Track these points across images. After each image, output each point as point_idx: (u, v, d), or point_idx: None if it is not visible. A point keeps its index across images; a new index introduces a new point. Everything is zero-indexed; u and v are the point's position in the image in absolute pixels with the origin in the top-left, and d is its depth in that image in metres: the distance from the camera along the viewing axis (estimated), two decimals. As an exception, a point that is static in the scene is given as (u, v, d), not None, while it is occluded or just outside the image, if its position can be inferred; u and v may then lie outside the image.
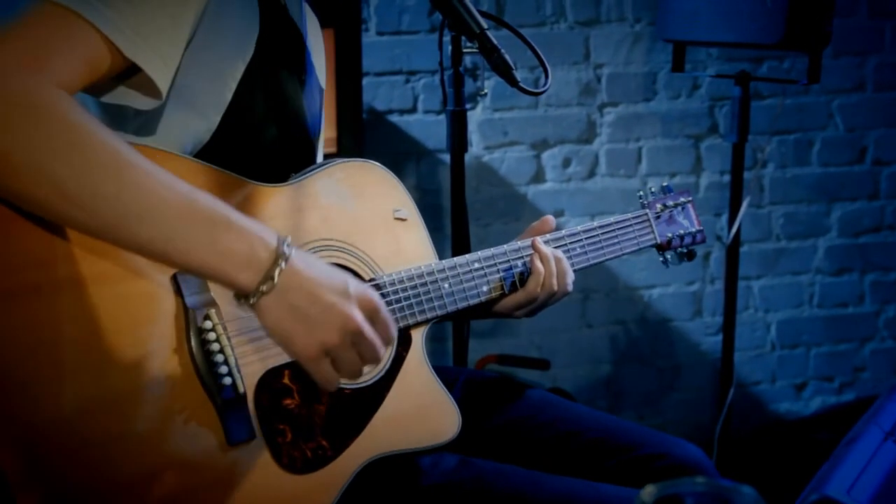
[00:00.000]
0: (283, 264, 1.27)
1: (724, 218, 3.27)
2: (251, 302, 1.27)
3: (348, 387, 1.54)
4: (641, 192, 2.01)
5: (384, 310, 1.35)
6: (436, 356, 3.31)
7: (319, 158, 1.73)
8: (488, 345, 3.29)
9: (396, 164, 3.18)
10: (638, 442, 1.73)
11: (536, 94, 1.81)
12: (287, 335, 1.29)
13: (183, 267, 1.28)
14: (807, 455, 2.96)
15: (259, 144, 1.54)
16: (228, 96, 1.48)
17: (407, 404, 1.60)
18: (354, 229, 1.60)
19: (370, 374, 1.57)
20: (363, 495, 1.53)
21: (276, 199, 1.51)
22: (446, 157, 3.18)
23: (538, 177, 3.33)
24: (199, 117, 1.47)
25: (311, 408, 1.49)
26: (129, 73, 1.35)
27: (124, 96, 1.38)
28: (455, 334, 2.48)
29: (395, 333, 1.38)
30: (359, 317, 1.31)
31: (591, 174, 3.37)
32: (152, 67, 1.33)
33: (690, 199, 2.04)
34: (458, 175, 2.29)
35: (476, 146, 3.25)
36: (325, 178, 1.58)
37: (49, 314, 1.26)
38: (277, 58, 1.55)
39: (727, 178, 3.12)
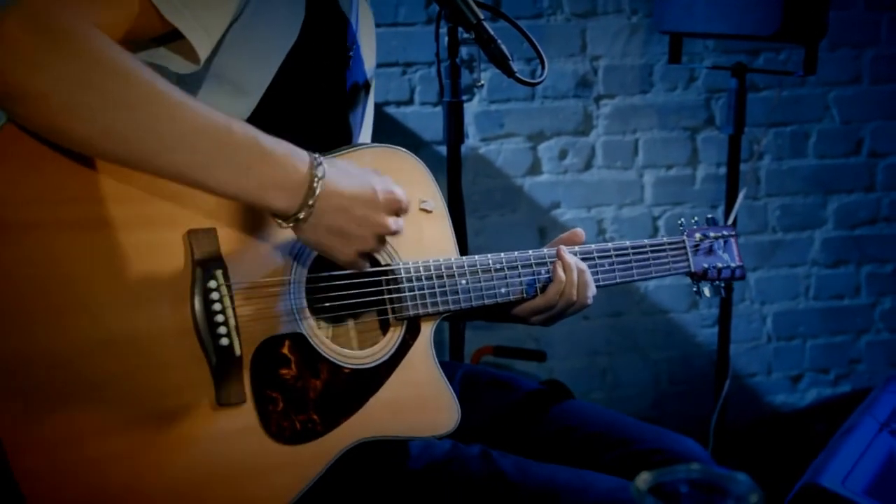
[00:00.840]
0: (317, 188, 1.35)
1: (721, 210, 3.27)
2: (290, 224, 1.36)
3: (348, 366, 1.54)
4: (682, 220, 1.99)
5: (406, 202, 1.47)
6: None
7: None
8: (485, 336, 3.29)
9: (393, 156, 3.17)
10: (635, 437, 1.73)
11: (533, 85, 1.81)
12: (327, 249, 1.41)
13: (219, 193, 1.33)
14: (802, 446, 2.97)
15: (295, 124, 1.56)
16: (269, 78, 1.51)
17: (406, 392, 1.61)
18: None
19: (373, 357, 1.58)
20: (350, 472, 1.54)
21: None
22: (443, 150, 3.17)
23: (534, 169, 3.33)
24: (240, 94, 1.50)
25: (307, 381, 1.50)
26: (170, 36, 1.38)
27: (163, 57, 1.42)
28: (451, 325, 2.48)
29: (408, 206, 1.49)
30: (388, 221, 1.43)
31: (588, 166, 3.37)
32: (191, 32, 1.36)
33: (734, 233, 2.02)
34: (454, 165, 2.30)
35: (472, 138, 3.25)
36: (356, 159, 1.59)
37: (58, 251, 1.29)
38: (321, 46, 1.56)
39: (723, 169, 3.12)
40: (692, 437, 1.78)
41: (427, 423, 1.62)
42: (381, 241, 1.45)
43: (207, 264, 1.39)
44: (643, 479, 0.87)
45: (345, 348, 1.56)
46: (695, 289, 2.01)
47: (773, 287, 3.58)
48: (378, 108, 3.18)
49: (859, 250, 3.61)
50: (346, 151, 1.58)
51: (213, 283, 1.39)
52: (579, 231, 1.82)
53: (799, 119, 3.48)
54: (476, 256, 1.70)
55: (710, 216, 2.03)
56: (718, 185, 3.33)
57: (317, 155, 1.37)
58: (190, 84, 1.46)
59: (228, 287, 1.40)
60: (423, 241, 1.66)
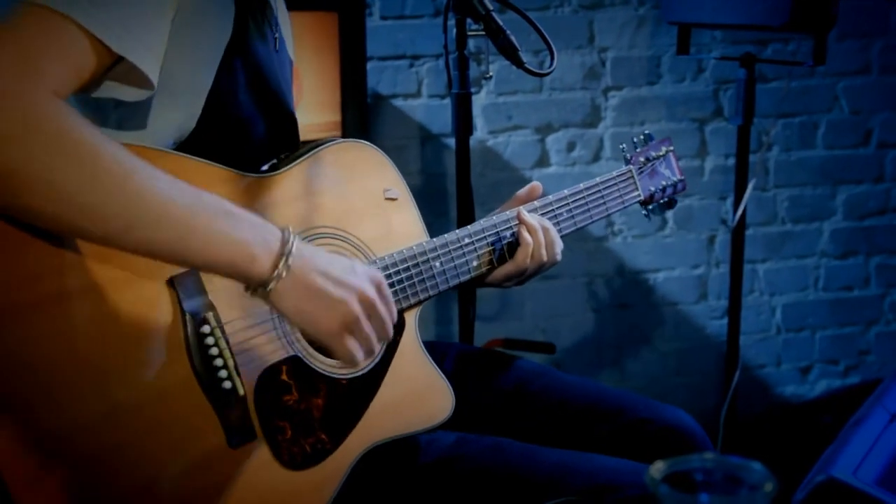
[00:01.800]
0: (292, 249, 1.30)
1: (730, 201, 3.26)
2: (268, 289, 1.30)
3: (344, 377, 1.53)
4: (624, 145, 1.98)
5: (386, 285, 1.41)
6: (442, 340, 3.31)
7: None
8: (493, 328, 3.29)
9: (401, 149, 3.18)
10: (626, 407, 1.75)
11: (542, 76, 1.81)
12: (308, 316, 1.33)
13: (197, 265, 1.30)
14: (812, 438, 2.96)
15: (245, 123, 1.53)
16: (210, 79, 1.46)
17: (402, 389, 1.60)
18: (345, 214, 1.59)
19: (366, 362, 1.57)
20: (361, 477, 1.54)
21: (267, 189, 1.51)
22: (451, 142, 3.17)
23: (543, 161, 3.33)
24: (183, 103, 1.46)
25: (309, 402, 1.49)
26: (114, 65, 1.33)
27: (113, 90, 1.37)
28: (461, 318, 2.49)
29: (395, 311, 1.43)
30: (371, 289, 1.37)
31: (596, 158, 3.36)
32: (141, 60, 1.32)
33: (672, 148, 2.01)
34: (463, 157, 2.30)
35: (480, 130, 3.24)
36: (315, 162, 1.58)
37: (49, 327, 1.25)
38: (253, 34, 1.53)
39: (732, 161, 3.11)
40: (691, 416, 1.79)
41: (425, 414, 1.62)
42: (366, 314, 1.37)
43: (196, 308, 1.37)
44: (657, 467, 0.87)
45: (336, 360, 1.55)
46: (644, 213, 2.01)
47: (782, 278, 3.58)
48: (386, 100, 3.18)
49: (868, 241, 3.60)
50: (305, 156, 1.56)
51: (206, 328, 1.37)
52: (537, 184, 1.82)
53: (808, 110, 3.48)
54: (445, 235, 1.68)
55: (646, 132, 2.01)
56: (727, 176, 3.33)
57: (286, 225, 1.34)
58: (131, 107, 1.42)
59: (221, 328, 1.38)
60: (393, 231, 1.65)
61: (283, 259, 1.30)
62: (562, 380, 1.82)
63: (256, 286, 1.31)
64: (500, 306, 3.34)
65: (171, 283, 1.36)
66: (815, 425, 3.53)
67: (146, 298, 1.34)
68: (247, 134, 1.54)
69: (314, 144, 1.60)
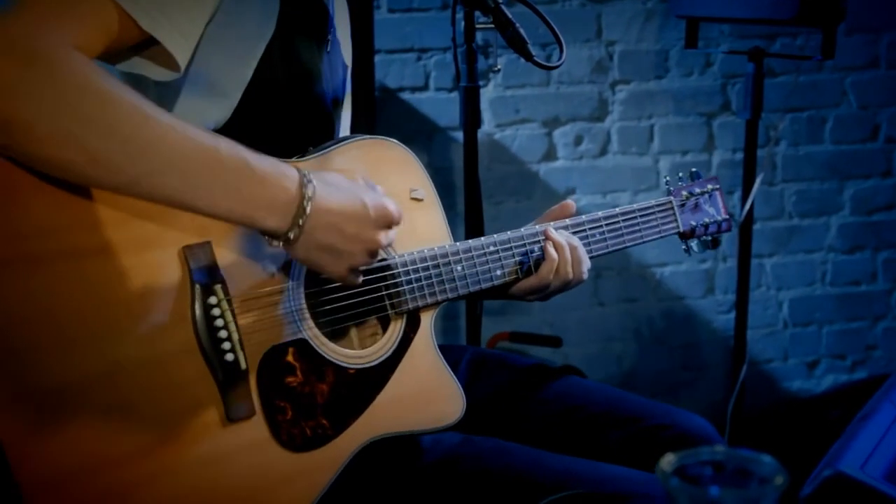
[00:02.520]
0: (307, 207, 1.34)
1: (737, 196, 3.25)
2: (280, 243, 1.35)
3: (352, 367, 1.53)
4: (668, 178, 1.97)
5: (397, 215, 1.45)
6: (448, 334, 3.32)
7: (343, 133, 1.72)
8: (500, 323, 3.29)
9: (408, 142, 3.16)
10: (643, 413, 1.73)
11: (551, 69, 1.81)
12: (318, 266, 1.41)
13: (209, 214, 1.31)
14: (819, 433, 2.96)
15: (279, 120, 1.54)
16: (249, 74, 1.48)
17: (411, 386, 1.59)
18: None
19: (376, 355, 1.57)
20: (363, 471, 1.53)
21: None
22: (458, 136, 3.17)
23: (550, 154, 3.32)
24: (220, 96, 1.48)
25: (313, 386, 1.48)
26: (147, 44, 1.36)
27: (141, 66, 1.40)
28: (468, 312, 2.49)
29: (398, 222, 1.48)
30: (379, 237, 1.42)
31: (603, 152, 3.36)
32: (170, 40, 1.34)
33: (718, 186, 2.00)
34: (471, 150, 2.29)
35: (488, 124, 3.24)
36: (341, 155, 1.57)
37: (56, 283, 1.26)
38: (299, 34, 1.54)
39: (740, 155, 3.10)
40: (709, 422, 1.78)
41: (433, 415, 1.61)
42: (373, 255, 1.44)
43: (206, 280, 1.37)
44: (667, 460, 0.87)
45: (346, 349, 1.55)
46: (684, 247, 1.99)
47: (789, 273, 3.57)
48: (393, 94, 3.17)
49: (876, 236, 3.60)
50: (332, 148, 1.56)
51: (213, 299, 1.37)
52: (570, 203, 1.80)
53: (816, 104, 3.47)
54: (470, 241, 1.68)
55: (693, 170, 2.01)
56: (735, 170, 3.32)
57: (306, 172, 1.35)
58: (168, 91, 1.44)
59: (229, 301, 1.39)
60: (417, 230, 1.64)
61: (297, 222, 1.33)
62: (579, 385, 1.81)
63: (271, 238, 1.35)
64: (507, 300, 3.34)
65: (184, 252, 1.37)
66: (823, 420, 3.53)
67: (156, 265, 1.35)
68: (279, 130, 1.54)
69: (340, 139, 1.60)
